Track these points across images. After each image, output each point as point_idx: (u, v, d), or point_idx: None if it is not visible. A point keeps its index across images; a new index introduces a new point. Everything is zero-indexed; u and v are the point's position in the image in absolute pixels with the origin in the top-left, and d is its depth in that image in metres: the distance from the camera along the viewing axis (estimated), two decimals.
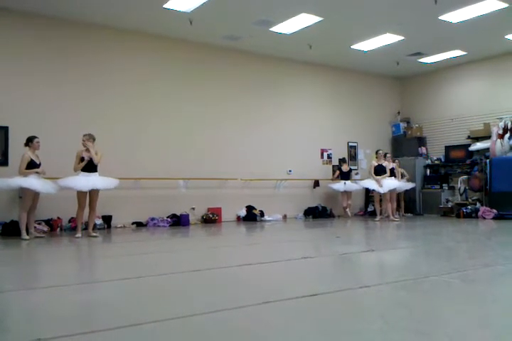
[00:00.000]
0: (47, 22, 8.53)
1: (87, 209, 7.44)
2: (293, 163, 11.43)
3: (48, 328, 2.49)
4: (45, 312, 2.85)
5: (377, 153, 10.54)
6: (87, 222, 8.26)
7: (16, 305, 3.14)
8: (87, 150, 7.31)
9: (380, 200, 10.74)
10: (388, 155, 10.71)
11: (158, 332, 2.43)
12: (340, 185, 11.21)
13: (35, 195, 7.05)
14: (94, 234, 7.33)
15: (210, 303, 2.97)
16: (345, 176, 11.33)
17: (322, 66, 12.12)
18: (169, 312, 2.77)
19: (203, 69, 10.28)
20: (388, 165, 10.50)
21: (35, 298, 3.26)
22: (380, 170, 10.31)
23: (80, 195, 7.27)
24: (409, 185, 11.37)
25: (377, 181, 10.19)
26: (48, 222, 8.06)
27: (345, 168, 11.43)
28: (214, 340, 2.28)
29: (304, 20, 8.90)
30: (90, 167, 7.30)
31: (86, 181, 7.21)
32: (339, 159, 11.65)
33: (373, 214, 11.57)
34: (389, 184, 10.30)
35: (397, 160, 11.38)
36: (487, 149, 10.99)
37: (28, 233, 7.00)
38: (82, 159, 7.27)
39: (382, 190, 10.21)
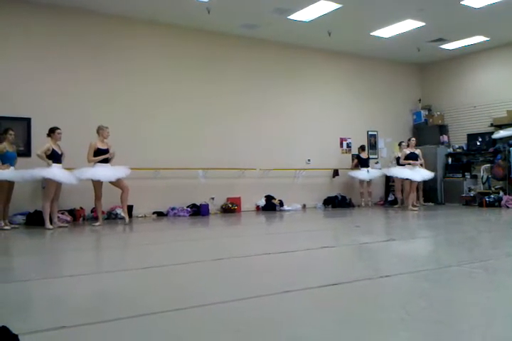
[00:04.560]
0: (67, 13, 8.57)
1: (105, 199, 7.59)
2: (312, 153, 11.37)
3: (72, 316, 2.54)
4: (69, 301, 2.91)
5: (409, 140, 10.44)
6: (109, 212, 8.45)
7: (40, 293, 3.20)
8: (102, 141, 7.60)
9: (403, 189, 10.65)
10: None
11: (178, 320, 2.46)
12: (363, 174, 11.11)
13: (57, 185, 7.18)
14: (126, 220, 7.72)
15: (230, 292, 2.99)
16: (365, 163, 11.23)
17: (341, 53, 11.97)
18: (189, 300, 2.80)
19: (221, 58, 10.24)
20: (420, 153, 10.40)
21: (59, 286, 3.33)
22: (412, 158, 10.18)
23: (97, 185, 7.46)
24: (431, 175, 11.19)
25: (413, 164, 9.99)
26: (71, 212, 8.19)
27: (364, 155, 11.33)
28: (234, 329, 2.30)
29: (322, 7, 8.77)
30: (105, 158, 7.55)
31: (106, 171, 7.41)
32: (358, 148, 11.53)
33: (394, 203, 11.49)
34: (424, 174, 10.21)
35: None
36: (511, 137, 10.77)
37: (51, 223, 7.14)
38: (99, 151, 7.44)
39: (417, 178, 10.02)
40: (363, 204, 11.18)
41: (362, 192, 11.21)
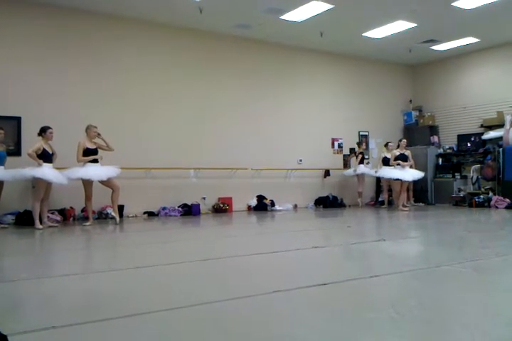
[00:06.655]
0: (59, 11, 8.52)
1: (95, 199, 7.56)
2: (303, 153, 11.40)
3: (62, 316, 2.52)
4: (58, 301, 2.90)
5: (400, 141, 10.51)
6: (99, 212, 8.41)
7: (30, 293, 3.18)
8: (90, 140, 7.56)
9: (389, 190, 10.73)
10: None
11: (169, 320, 2.45)
12: (349, 171, 11.23)
13: (47, 185, 7.13)
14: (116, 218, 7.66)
15: (221, 292, 2.99)
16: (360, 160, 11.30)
17: (333, 54, 12.01)
18: (180, 300, 2.80)
19: (213, 58, 10.22)
20: (410, 154, 10.48)
21: (48, 286, 3.31)
22: (402, 159, 10.27)
23: (87, 184, 7.43)
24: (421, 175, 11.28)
25: (402, 165, 10.08)
26: (61, 212, 8.15)
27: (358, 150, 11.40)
28: (225, 328, 2.30)
29: (314, 8, 8.79)
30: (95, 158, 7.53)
31: (97, 171, 7.38)
32: (352, 148, 11.55)
33: (384, 204, 11.55)
34: (414, 174, 10.30)
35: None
36: (500, 138, 10.86)
37: (41, 222, 7.09)
38: (88, 150, 7.40)
39: (408, 178, 10.11)
40: (360, 204, 11.21)
41: (359, 192, 11.25)
